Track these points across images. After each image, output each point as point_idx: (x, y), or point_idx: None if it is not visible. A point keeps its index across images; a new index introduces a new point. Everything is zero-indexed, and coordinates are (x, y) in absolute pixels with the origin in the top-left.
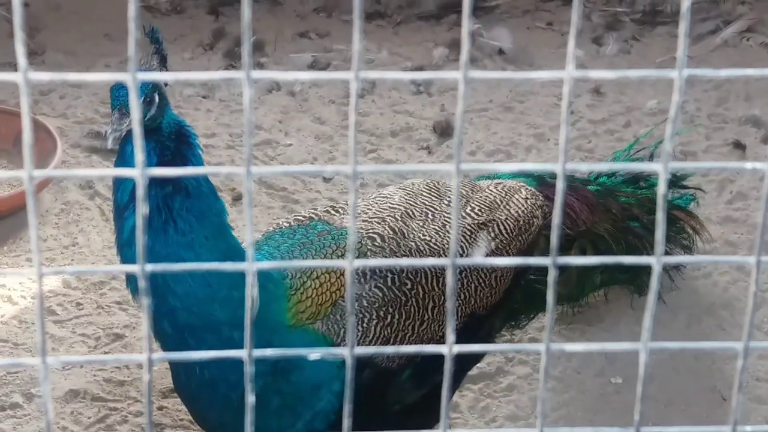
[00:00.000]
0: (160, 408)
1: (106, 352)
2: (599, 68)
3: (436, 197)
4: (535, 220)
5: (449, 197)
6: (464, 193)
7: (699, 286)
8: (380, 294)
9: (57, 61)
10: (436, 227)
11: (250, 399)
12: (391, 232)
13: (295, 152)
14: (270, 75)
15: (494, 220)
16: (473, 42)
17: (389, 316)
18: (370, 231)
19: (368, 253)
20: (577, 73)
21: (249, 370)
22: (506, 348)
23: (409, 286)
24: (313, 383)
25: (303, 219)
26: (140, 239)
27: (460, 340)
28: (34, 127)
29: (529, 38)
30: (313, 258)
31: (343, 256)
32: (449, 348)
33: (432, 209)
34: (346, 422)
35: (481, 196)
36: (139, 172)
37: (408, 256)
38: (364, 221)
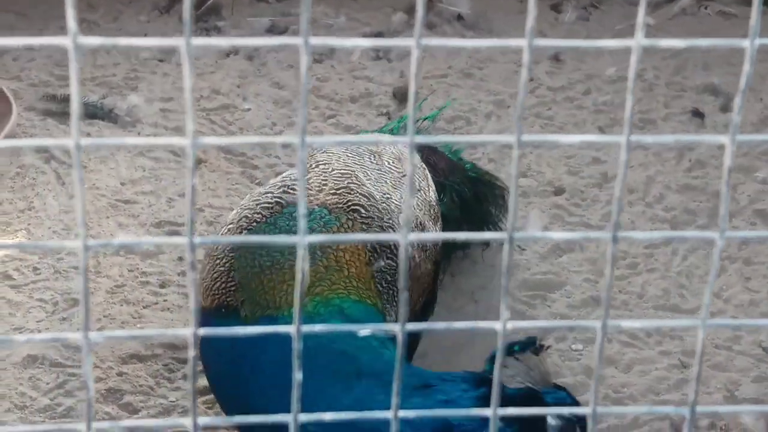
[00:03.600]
0: (120, 374)
1: (64, 318)
2: (558, 36)
3: (373, 156)
4: (426, 182)
5: (385, 157)
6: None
7: (658, 253)
8: (394, 265)
9: (9, 23)
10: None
11: (298, 377)
12: (366, 200)
13: (254, 117)
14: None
15: (420, 189)
16: (432, 8)
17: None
18: (350, 204)
19: (363, 226)
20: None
21: (297, 346)
22: (561, 324)
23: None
24: None
25: (270, 205)
26: None
27: (420, 319)
28: None
29: (488, 4)
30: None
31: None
32: (503, 324)
33: (379, 170)
34: (395, 400)
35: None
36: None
37: (394, 222)
38: (333, 194)
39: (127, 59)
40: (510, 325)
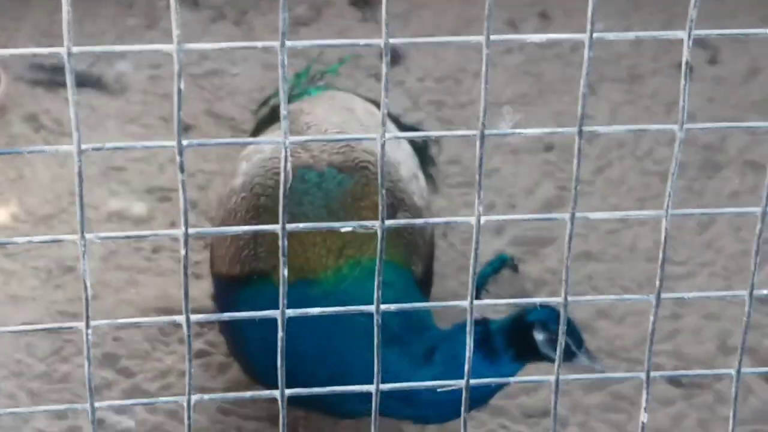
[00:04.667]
0: (116, 339)
1: (58, 285)
2: None
3: (349, 111)
4: None
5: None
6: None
7: (648, 206)
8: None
9: None
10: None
11: (283, 272)
12: (369, 155)
13: (243, 82)
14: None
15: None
16: None
17: None
18: (357, 161)
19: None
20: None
21: (282, 243)
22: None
23: None
24: None
25: (277, 169)
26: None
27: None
28: None
29: None
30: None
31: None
32: (477, 218)
33: (361, 125)
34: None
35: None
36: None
37: (402, 175)
38: (336, 153)
39: (114, 26)
40: (483, 219)
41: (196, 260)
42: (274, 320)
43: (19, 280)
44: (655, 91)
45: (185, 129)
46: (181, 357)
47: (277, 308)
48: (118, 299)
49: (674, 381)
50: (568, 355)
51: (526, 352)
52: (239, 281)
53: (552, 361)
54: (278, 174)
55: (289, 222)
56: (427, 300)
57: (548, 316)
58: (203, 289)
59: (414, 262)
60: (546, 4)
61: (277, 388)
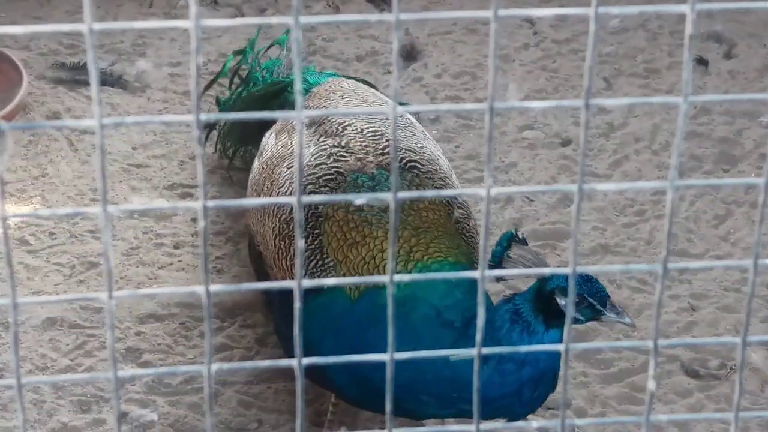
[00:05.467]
0: (138, 333)
1: (81, 281)
2: None
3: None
4: None
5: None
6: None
7: (666, 200)
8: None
9: None
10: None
11: (300, 244)
12: (414, 154)
13: None
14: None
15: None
16: None
17: None
18: (405, 161)
19: (427, 181)
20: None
21: (299, 216)
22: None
23: None
24: None
25: (332, 176)
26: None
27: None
28: None
29: None
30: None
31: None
32: (487, 190)
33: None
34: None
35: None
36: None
37: (445, 171)
38: (382, 155)
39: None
40: (494, 191)
41: (217, 255)
42: (352, 331)
43: (42, 276)
44: (671, 85)
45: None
46: (202, 351)
47: (347, 318)
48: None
49: (691, 372)
50: (595, 314)
51: (555, 319)
52: (308, 291)
53: (582, 322)
54: (330, 180)
55: (356, 230)
56: (490, 300)
57: (567, 282)
58: (224, 282)
59: (476, 259)
60: (562, 0)
61: (360, 399)
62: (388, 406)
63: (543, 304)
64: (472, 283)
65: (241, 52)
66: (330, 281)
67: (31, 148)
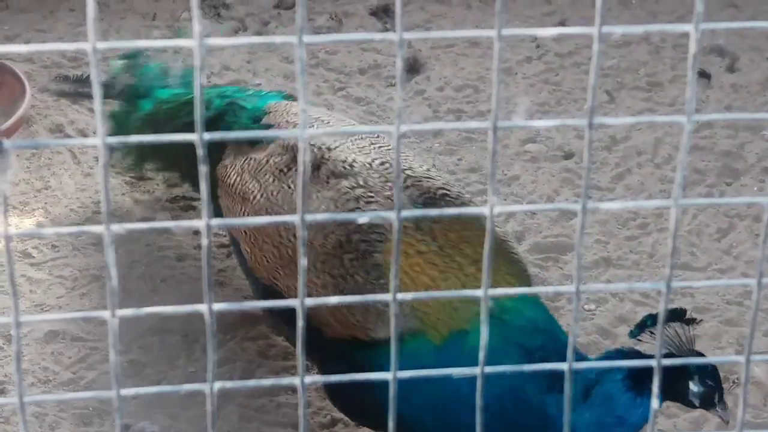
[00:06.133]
0: (140, 347)
1: (84, 294)
2: (565, 4)
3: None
4: None
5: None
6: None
7: (668, 213)
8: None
9: (20, 5)
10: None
11: (303, 263)
12: (434, 180)
13: None
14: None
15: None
16: None
17: None
18: (434, 189)
19: (459, 204)
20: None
21: (301, 234)
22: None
23: None
24: None
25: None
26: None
27: None
28: (1, 71)
29: None
30: None
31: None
32: (490, 209)
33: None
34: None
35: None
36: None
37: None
38: (409, 187)
39: (138, 38)
40: (497, 209)
41: (220, 268)
42: (441, 378)
43: (45, 289)
44: (674, 99)
45: None
46: (204, 365)
47: (435, 365)
48: (142, 307)
49: None
50: (709, 403)
51: (671, 393)
52: (378, 342)
53: (693, 407)
54: (376, 227)
55: (431, 270)
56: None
57: (711, 373)
58: (226, 295)
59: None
60: (564, 13)
61: None
62: None
63: (671, 379)
64: (550, 317)
65: (130, 57)
66: (333, 300)
67: (34, 160)
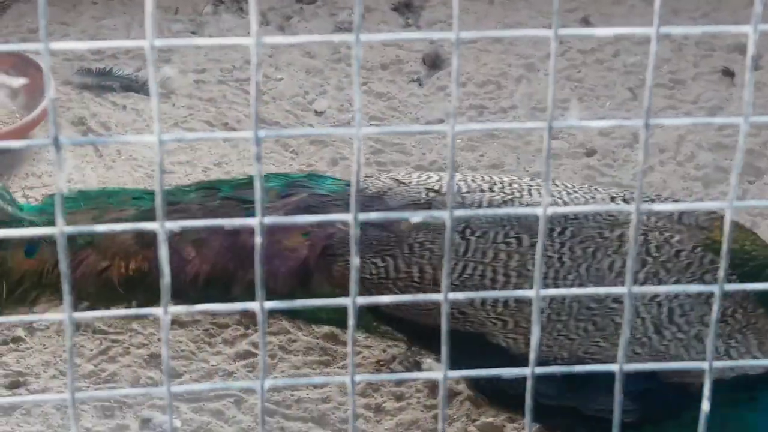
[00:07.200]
0: (161, 339)
1: None
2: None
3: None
4: None
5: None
6: None
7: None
8: None
9: None
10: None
11: (355, 262)
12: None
13: (287, 87)
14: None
15: None
16: None
17: None
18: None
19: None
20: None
21: (354, 232)
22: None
23: None
24: None
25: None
26: None
27: None
28: (25, 65)
29: None
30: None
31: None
32: (544, 210)
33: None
34: None
35: None
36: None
37: None
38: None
39: (160, 32)
40: (551, 210)
41: None
42: None
43: None
44: (696, 96)
45: (225, 123)
46: (225, 358)
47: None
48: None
49: None
50: None
51: None
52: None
53: None
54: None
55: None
56: None
57: None
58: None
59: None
60: (587, 10)
61: None
62: None
63: None
64: None
65: None
66: (384, 299)
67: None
